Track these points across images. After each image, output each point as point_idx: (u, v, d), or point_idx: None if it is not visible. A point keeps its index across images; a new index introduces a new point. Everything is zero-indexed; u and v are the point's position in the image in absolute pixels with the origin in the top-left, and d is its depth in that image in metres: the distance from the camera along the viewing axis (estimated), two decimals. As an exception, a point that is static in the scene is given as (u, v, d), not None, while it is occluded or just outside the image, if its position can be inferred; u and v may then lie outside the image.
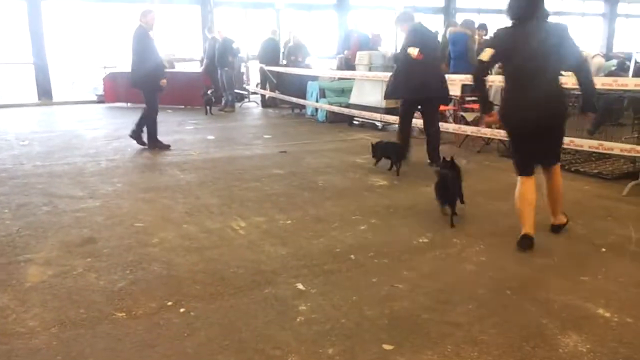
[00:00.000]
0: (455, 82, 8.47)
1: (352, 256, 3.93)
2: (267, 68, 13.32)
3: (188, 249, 4.10)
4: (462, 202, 4.93)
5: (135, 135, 8.17)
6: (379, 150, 6.78)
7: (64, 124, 10.97)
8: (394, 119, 9.05)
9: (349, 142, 8.75)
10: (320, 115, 11.16)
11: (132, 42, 7.96)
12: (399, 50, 7.05)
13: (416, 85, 6.62)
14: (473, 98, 8.96)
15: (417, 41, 6.63)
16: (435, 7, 20.24)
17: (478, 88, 4.42)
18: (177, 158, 7.48)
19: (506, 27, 4.13)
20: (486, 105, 4.42)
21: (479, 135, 7.82)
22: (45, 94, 14.58)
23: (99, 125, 10.07)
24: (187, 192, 5.73)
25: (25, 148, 8.18)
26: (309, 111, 11.89)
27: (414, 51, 6.55)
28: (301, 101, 11.82)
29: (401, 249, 4.09)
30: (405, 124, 7.22)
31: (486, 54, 4.13)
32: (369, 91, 9.79)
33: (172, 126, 10.45)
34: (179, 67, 14.80)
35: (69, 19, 15.16)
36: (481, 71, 4.27)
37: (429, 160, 6.99)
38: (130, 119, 10.96)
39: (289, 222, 4.72)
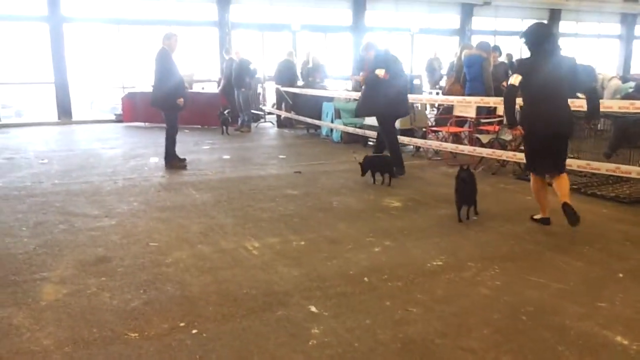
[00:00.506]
0: (471, 104, 8.49)
1: (365, 278, 3.91)
2: (283, 89, 13.44)
3: (202, 269, 4.11)
4: (476, 212, 5.51)
5: (170, 161, 8.35)
6: (367, 165, 7.17)
7: (83, 142, 11.13)
8: (408, 139, 9.07)
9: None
10: (335, 136, 11.20)
11: (155, 63, 8.16)
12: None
13: (389, 102, 7.52)
14: (488, 120, 8.97)
15: (382, 64, 7.53)
16: (450, 29, 20.35)
17: (509, 107, 5.22)
18: (193, 177, 7.54)
19: (528, 58, 5.17)
20: (513, 122, 5.27)
21: (494, 157, 7.78)
22: (65, 113, 14.87)
23: (116, 144, 10.20)
24: (202, 211, 5.76)
25: (44, 166, 8.30)
26: (324, 132, 11.94)
27: (380, 72, 7.45)
28: (316, 122, 11.89)
29: (415, 271, 4.07)
30: (394, 138, 7.92)
31: (516, 80, 5.01)
32: (384, 112, 9.79)
33: (189, 146, 10.55)
34: (197, 88, 15.00)
35: (89, 40, 15.48)
36: (513, 93, 5.12)
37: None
38: (147, 138, 11.16)
39: (302, 243, 4.72)
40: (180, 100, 8.13)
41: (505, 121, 6.86)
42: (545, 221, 5.24)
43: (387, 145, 7.80)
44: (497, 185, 7.16)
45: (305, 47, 15.68)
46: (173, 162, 8.30)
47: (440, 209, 5.89)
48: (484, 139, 8.29)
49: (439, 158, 9.07)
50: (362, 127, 10.29)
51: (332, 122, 11.26)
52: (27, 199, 6.23)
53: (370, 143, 10.32)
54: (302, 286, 3.77)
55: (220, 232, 5.03)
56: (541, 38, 5.04)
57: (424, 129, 9.65)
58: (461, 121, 9.21)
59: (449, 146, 8.57)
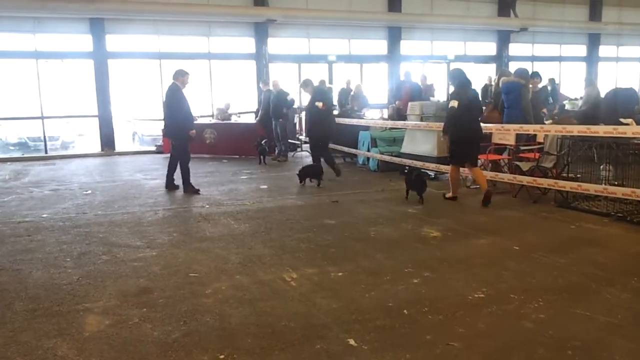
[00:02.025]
0: (510, 132, 8.38)
1: (405, 311, 3.85)
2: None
3: (240, 300, 4.13)
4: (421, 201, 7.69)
5: (169, 184, 9.07)
6: (303, 173, 9.44)
7: (125, 173, 11.42)
8: (446, 168, 9.00)
9: (400, 192, 8.66)
10: (372, 165, 11.20)
11: (166, 98, 8.97)
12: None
13: (324, 127, 9.94)
14: (528, 147, 8.83)
15: (319, 97, 9.90)
16: (487, 55, 20.25)
17: (449, 121, 7.76)
18: (231, 208, 7.62)
19: (457, 91, 7.74)
20: (447, 130, 7.77)
21: (535, 185, 7.63)
22: (108, 144, 15.33)
23: (157, 175, 10.41)
24: (240, 242, 5.81)
25: (88, 197, 8.54)
26: (360, 160, 11.96)
27: (319, 104, 9.76)
28: (353, 150, 11.92)
29: (456, 304, 3.99)
30: (326, 154, 10.28)
31: (455, 104, 7.53)
32: (421, 141, 9.80)
33: (227, 176, 10.72)
34: (234, 118, 15.30)
35: (132, 74, 16.00)
36: (455, 112, 7.55)
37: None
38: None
39: (340, 274, 4.69)
40: (193, 132, 8.96)
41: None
42: (454, 199, 7.83)
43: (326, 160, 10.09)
44: (539, 213, 7.01)
45: (343, 76, 15.83)
46: (190, 188, 8.81)
47: (480, 239, 5.80)
48: (524, 166, 8.15)
49: (477, 186, 8.93)
50: (399, 155, 10.26)
51: (368, 150, 11.28)
52: (71, 230, 6.40)
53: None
54: (341, 319, 3.74)
55: (258, 263, 5.05)
56: (463, 77, 7.80)
57: (462, 157, 9.55)
58: (500, 148, 9.08)
59: (488, 174, 8.44)
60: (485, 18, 19.45)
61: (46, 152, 15.33)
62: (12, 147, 16.10)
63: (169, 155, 9.48)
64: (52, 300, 4.18)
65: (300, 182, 9.36)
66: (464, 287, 4.34)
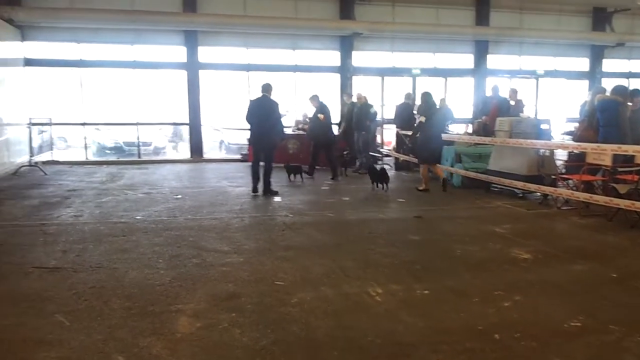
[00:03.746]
0: (606, 152, 7.95)
1: (496, 335, 3.71)
2: (402, 132, 13.46)
3: (326, 312, 4.14)
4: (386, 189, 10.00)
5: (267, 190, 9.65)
6: (289, 169, 11.45)
7: (212, 180, 11.82)
8: (535, 187, 8.66)
9: (487, 210, 8.46)
10: (456, 181, 10.95)
11: (261, 109, 9.60)
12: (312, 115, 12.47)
13: (320, 133, 12.23)
14: (626, 169, 8.33)
15: (321, 111, 12.16)
16: (579, 71, 19.37)
17: (415, 132, 10.56)
18: (314, 218, 7.69)
19: (426, 109, 10.25)
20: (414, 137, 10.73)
21: (634, 209, 7.18)
22: (197, 151, 15.95)
23: (242, 182, 10.70)
24: (323, 253, 5.84)
25: (178, 202, 8.90)
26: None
27: (320, 116, 12.11)
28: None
29: (550, 331, 3.80)
30: (329, 154, 12.36)
31: (423, 119, 10.06)
32: (509, 158, 9.48)
33: (309, 186, 10.84)
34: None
35: (221, 85, 16.59)
36: (422, 126, 10.13)
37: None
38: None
39: (426, 292, 4.60)
40: (281, 142, 10.34)
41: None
42: (427, 190, 9.97)
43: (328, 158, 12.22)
44: (638, 239, 6.59)
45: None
46: (272, 191, 9.62)
47: (575, 264, 5.52)
48: (622, 189, 7.69)
49: (569, 207, 8.54)
50: (485, 172, 9.98)
51: (452, 166, 11.05)
52: (163, 233, 6.68)
53: (494, 189, 9.99)
54: (428, 339, 3.66)
55: (342, 275, 5.05)
56: (430, 100, 10.37)
57: (553, 176, 9.16)
58: (594, 169, 8.63)
59: (582, 195, 8.04)
60: (578, 32, 18.65)
61: (139, 157, 16.17)
62: (108, 151, 17.11)
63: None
64: (146, 300, 4.37)
65: (289, 177, 11.29)
66: (559, 314, 4.13)
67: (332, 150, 12.28)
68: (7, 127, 12.85)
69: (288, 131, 15.16)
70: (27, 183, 10.98)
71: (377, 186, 10.22)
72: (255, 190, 9.65)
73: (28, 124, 13.28)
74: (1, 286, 4.69)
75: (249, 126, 9.93)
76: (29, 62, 14.89)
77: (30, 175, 12.09)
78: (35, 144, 13.15)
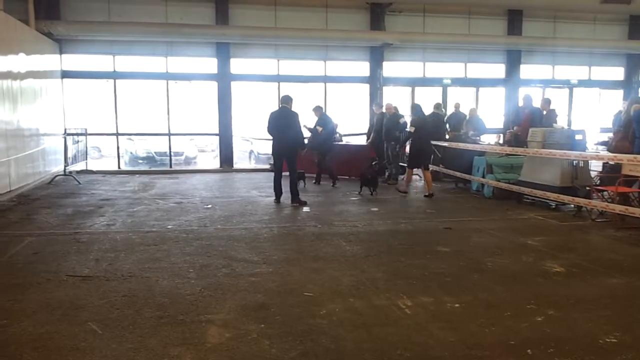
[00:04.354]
0: (642, 163, 7.75)
1: (529, 351, 3.64)
2: (432, 143, 13.36)
3: (355, 324, 4.11)
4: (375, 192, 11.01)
5: (296, 199, 9.78)
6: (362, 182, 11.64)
7: (242, 190, 11.91)
8: (569, 198, 8.49)
9: (519, 222, 8.32)
10: (487, 191, 10.81)
11: (282, 119, 9.81)
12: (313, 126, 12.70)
13: (315, 144, 12.65)
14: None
15: (321, 123, 12.69)
16: (614, 80, 18.96)
17: (406, 140, 11.74)
18: (342, 229, 7.68)
19: (416, 119, 11.00)
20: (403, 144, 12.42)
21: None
22: (227, 161, 16.10)
23: (271, 192, 10.70)
24: (352, 264, 5.82)
25: (208, 211, 8.99)
26: (474, 186, 11.59)
27: (319, 128, 12.60)
28: (466, 176, 11.59)
29: (585, 348, 3.71)
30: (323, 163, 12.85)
31: (413, 129, 10.94)
32: (542, 169, 9.32)
33: (337, 196, 10.84)
34: (346, 140, 15.49)
35: (252, 95, 16.76)
36: (412, 135, 11.06)
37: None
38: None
39: (457, 305, 4.54)
40: (303, 151, 10.66)
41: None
42: (405, 193, 11.21)
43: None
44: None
45: (458, 100, 15.53)
46: (300, 200, 9.73)
47: (610, 278, 5.38)
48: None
49: (604, 220, 8.34)
50: (517, 183, 9.83)
51: (483, 176, 10.92)
52: (194, 242, 6.75)
53: (526, 200, 9.83)
54: (459, 353, 3.61)
55: (371, 287, 5.02)
56: (419, 111, 11.20)
57: (587, 188, 8.96)
58: (630, 181, 8.42)
59: (617, 207, 7.84)
60: (613, 41, 18.25)
61: (171, 167, 16.42)
62: (140, 161, 17.42)
63: (283, 174, 9.88)
64: (176, 309, 4.41)
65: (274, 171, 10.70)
66: (594, 330, 4.03)
67: (327, 158, 12.72)
68: (44, 137, 13.20)
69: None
70: (61, 192, 11.24)
71: (369, 190, 11.03)
72: (278, 200, 9.97)
73: (64, 134, 13.62)
74: (37, 294, 4.80)
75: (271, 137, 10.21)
76: (65, 74, 15.29)
77: (64, 185, 12.38)
78: (70, 154, 13.45)
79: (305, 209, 9.31)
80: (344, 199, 10.62)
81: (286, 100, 10.07)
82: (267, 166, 15.65)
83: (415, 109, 11.38)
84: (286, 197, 9.93)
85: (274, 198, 10.11)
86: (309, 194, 11.06)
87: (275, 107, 10.42)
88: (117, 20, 14.76)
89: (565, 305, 4.56)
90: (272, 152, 10.25)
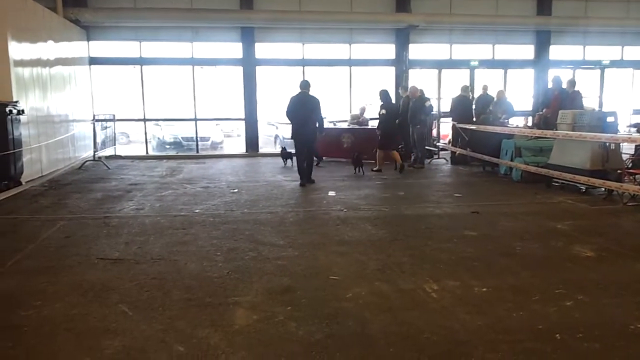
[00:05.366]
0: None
1: (557, 335, 3.60)
2: (459, 125, 13.22)
3: (381, 307, 4.12)
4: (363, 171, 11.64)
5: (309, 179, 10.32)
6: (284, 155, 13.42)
7: (267, 174, 11.97)
8: (599, 182, 8.32)
9: (548, 205, 8.19)
10: (515, 175, 10.66)
11: (307, 105, 10.11)
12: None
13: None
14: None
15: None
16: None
17: (379, 125, 12.44)
18: (368, 213, 7.67)
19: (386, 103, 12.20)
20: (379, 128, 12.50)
21: None
22: (252, 146, 16.19)
23: (296, 177, 10.75)
24: (378, 248, 5.81)
25: (235, 196, 9.06)
26: (502, 170, 11.44)
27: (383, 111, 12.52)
28: (494, 159, 11.44)
29: (615, 333, 3.65)
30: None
31: (384, 111, 12.07)
32: (572, 152, 9.14)
33: (363, 180, 10.81)
34: (371, 124, 15.38)
35: (276, 80, 16.74)
36: (383, 118, 12.22)
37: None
38: (325, 172, 11.66)
39: (484, 289, 4.51)
40: (322, 135, 10.84)
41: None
42: (380, 170, 11.92)
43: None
44: None
45: (485, 82, 15.26)
46: (312, 180, 10.33)
47: (641, 263, 5.27)
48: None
49: (636, 204, 8.16)
50: (546, 166, 9.66)
51: (511, 160, 10.76)
52: (221, 226, 6.82)
53: (555, 184, 9.66)
54: (486, 337, 3.59)
55: (397, 271, 5.01)
56: (387, 96, 12.25)
57: (618, 171, 8.77)
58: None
59: (651, 192, 7.67)
60: (648, 19, 17.71)
61: (197, 152, 16.57)
62: (168, 146, 17.62)
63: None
64: (204, 292, 4.47)
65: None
66: (624, 315, 3.96)
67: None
68: (73, 123, 13.43)
69: (343, 125, 15.27)
70: (91, 177, 11.45)
71: (357, 170, 11.76)
72: (303, 183, 10.23)
73: (92, 120, 13.83)
74: (70, 276, 4.91)
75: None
76: (93, 61, 15.48)
77: (94, 170, 12.60)
78: (99, 139, 13.67)
79: (331, 193, 9.31)
80: (370, 182, 10.59)
81: (305, 86, 10.31)
82: (292, 150, 15.57)
83: (382, 93, 12.20)
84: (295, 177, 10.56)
85: (299, 181, 10.27)
86: (335, 177, 11.07)
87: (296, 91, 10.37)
88: (143, 7, 14.84)
89: (594, 290, 4.49)
90: (292, 136, 10.56)
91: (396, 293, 4.44)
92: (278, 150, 15.79)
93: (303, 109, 10.14)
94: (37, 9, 11.48)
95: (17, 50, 10.20)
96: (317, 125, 10.41)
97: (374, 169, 12.05)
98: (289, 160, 13.34)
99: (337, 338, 3.59)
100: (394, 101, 12.90)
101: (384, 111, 12.07)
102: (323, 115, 10.91)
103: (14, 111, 9.32)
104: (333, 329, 3.72)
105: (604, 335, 3.63)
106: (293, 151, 12.78)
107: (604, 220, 7.27)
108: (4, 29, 9.72)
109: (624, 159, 9.23)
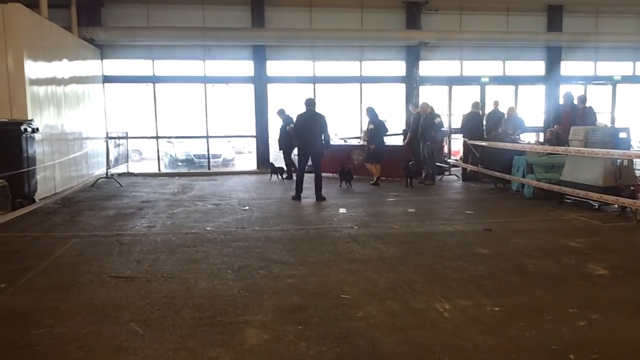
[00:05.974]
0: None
1: (571, 356, 3.55)
2: (470, 142, 13.20)
3: (392, 327, 4.09)
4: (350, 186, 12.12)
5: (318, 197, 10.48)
6: (273, 169, 14.19)
7: (278, 191, 12.01)
8: (613, 198, 8.25)
9: (560, 223, 8.13)
10: (527, 192, 10.60)
11: (313, 122, 10.35)
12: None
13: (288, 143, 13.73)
14: None
15: (290, 122, 13.01)
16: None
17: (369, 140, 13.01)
18: (379, 230, 7.65)
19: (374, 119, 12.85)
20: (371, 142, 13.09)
21: None
22: (263, 163, 16.25)
23: (306, 194, 10.77)
24: (389, 266, 5.78)
25: (246, 213, 9.08)
26: (514, 186, 11.38)
27: (290, 127, 12.98)
28: (506, 176, 11.39)
29: (631, 354, 3.61)
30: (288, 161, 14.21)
31: (372, 126, 12.70)
32: (584, 168, 9.08)
33: (374, 197, 10.81)
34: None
35: (287, 97, 16.85)
36: (372, 133, 12.80)
37: None
38: (334, 188, 11.66)
39: (497, 308, 4.46)
40: (328, 151, 10.85)
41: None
42: (377, 183, 12.50)
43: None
44: None
45: (495, 98, 15.26)
46: (322, 197, 10.43)
47: (657, 282, 5.20)
48: None
49: (648, 220, 8.08)
50: (558, 183, 9.60)
51: (523, 176, 10.71)
52: (232, 244, 6.83)
53: (568, 200, 9.59)
54: (499, 357, 3.55)
55: (408, 290, 4.98)
56: (375, 113, 12.75)
57: (632, 188, 8.69)
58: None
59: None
60: (660, 34, 17.67)
61: (209, 169, 16.69)
62: (179, 163, 17.76)
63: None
64: (215, 310, 4.47)
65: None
66: (639, 335, 3.91)
67: (290, 155, 14.16)
68: (86, 140, 13.59)
69: (354, 142, 15.31)
70: (104, 194, 11.55)
71: (344, 185, 12.33)
72: (299, 197, 10.48)
73: (106, 137, 13.98)
74: (81, 295, 4.94)
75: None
76: (107, 79, 15.71)
77: (107, 187, 12.71)
78: (112, 157, 13.80)
79: (342, 210, 9.31)
80: (381, 200, 10.58)
81: (310, 103, 10.60)
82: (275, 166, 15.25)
83: (369, 111, 12.89)
84: (306, 194, 10.70)
85: (293, 194, 10.62)
86: (346, 195, 11.07)
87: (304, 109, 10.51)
88: (156, 26, 15.08)
89: (609, 309, 4.43)
90: (298, 152, 10.88)
91: (407, 312, 4.40)
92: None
93: (312, 127, 10.39)
94: (53, 28, 11.68)
95: (33, 69, 10.38)
96: (324, 141, 10.56)
97: (371, 183, 12.63)
98: (274, 176, 14.17)
99: (348, 358, 3.57)
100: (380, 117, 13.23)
101: (372, 126, 12.69)
102: (331, 132, 11.20)
103: (29, 129, 9.46)
104: (344, 349, 3.70)
105: (619, 356, 3.58)
106: (282, 166, 14.26)
107: (618, 238, 7.20)
108: (20, 47, 9.91)
109: (637, 175, 9.15)
